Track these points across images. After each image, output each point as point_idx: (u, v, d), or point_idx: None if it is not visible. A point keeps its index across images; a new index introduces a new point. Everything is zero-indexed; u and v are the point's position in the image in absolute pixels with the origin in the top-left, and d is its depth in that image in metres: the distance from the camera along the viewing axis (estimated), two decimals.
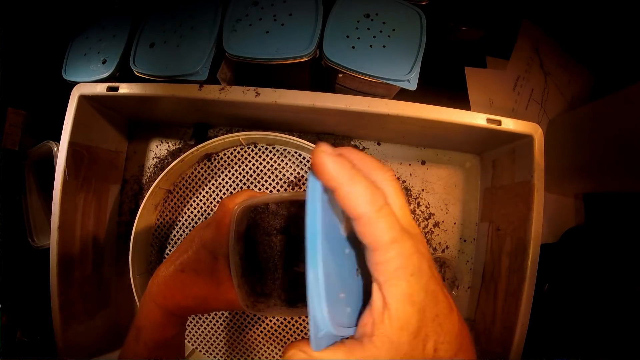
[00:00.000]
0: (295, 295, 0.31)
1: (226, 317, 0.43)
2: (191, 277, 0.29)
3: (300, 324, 0.42)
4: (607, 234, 0.46)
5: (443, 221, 0.46)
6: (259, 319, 0.42)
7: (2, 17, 0.43)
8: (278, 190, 0.42)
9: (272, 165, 0.42)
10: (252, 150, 0.42)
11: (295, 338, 0.42)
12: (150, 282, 0.30)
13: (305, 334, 0.42)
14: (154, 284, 0.30)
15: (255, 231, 0.31)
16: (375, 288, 0.17)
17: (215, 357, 0.43)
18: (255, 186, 0.42)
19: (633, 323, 0.39)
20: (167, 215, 0.44)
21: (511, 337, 0.36)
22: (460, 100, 0.49)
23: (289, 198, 0.30)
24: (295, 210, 0.31)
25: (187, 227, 0.43)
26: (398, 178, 0.46)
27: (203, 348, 0.43)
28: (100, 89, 0.38)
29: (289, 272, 0.30)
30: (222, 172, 0.43)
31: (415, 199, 0.46)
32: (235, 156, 0.42)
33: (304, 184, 0.42)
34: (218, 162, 0.43)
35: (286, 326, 0.42)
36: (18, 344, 0.47)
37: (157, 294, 0.29)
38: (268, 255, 0.30)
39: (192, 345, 0.44)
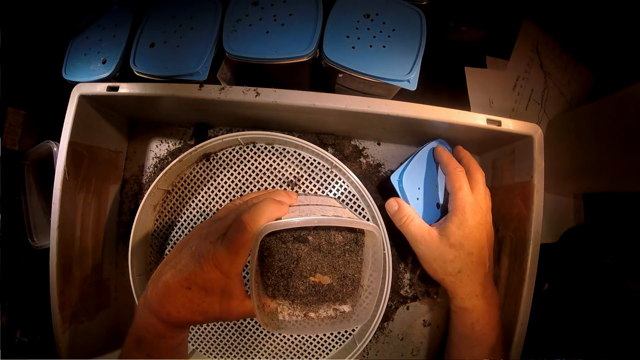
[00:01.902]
0: (314, 308, 0.31)
1: None
2: (199, 294, 0.27)
3: None
4: (607, 234, 0.46)
5: None
6: None
7: (2, 17, 0.43)
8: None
9: (271, 165, 0.42)
10: (251, 150, 0.42)
11: (295, 339, 0.42)
12: (149, 291, 0.28)
13: (305, 335, 0.42)
14: (154, 298, 0.28)
15: (272, 244, 0.31)
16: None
17: (215, 357, 0.43)
18: (255, 186, 0.42)
19: (633, 323, 0.39)
20: (166, 216, 0.44)
21: (511, 337, 0.36)
22: (460, 100, 0.49)
23: (316, 224, 0.29)
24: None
25: (186, 228, 0.43)
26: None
27: (203, 348, 0.43)
28: (100, 88, 0.38)
29: (307, 284, 0.30)
30: (221, 172, 0.43)
31: None
32: (234, 156, 0.42)
33: (303, 183, 0.42)
34: (217, 162, 0.43)
35: None
36: (18, 344, 0.47)
37: (160, 309, 0.27)
38: (286, 268, 0.30)
39: (192, 345, 0.44)
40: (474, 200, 0.35)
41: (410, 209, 0.36)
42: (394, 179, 0.38)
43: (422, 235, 0.35)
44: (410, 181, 0.38)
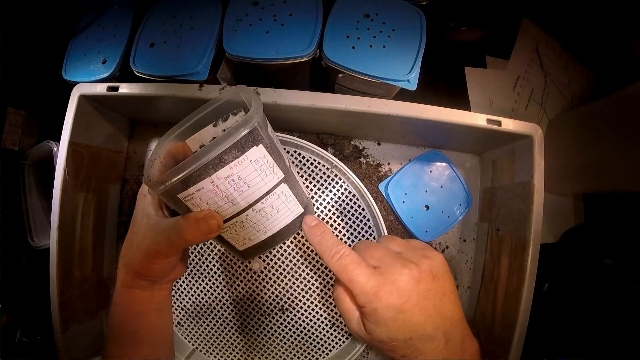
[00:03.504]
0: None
1: (226, 317, 0.43)
2: (131, 225, 0.28)
3: (300, 324, 0.42)
4: (607, 234, 0.46)
5: None
6: (259, 319, 0.42)
7: (2, 17, 0.43)
8: None
9: None
10: None
11: (295, 339, 0.42)
12: None
13: (306, 333, 0.42)
14: None
15: None
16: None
17: (215, 357, 0.43)
18: None
19: (632, 323, 0.39)
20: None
21: (511, 337, 0.36)
22: (460, 100, 0.50)
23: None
24: None
25: None
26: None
27: (203, 348, 0.43)
28: (100, 88, 0.38)
29: None
30: None
31: None
32: None
33: (303, 183, 0.42)
34: None
35: (286, 326, 0.42)
36: (18, 344, 0.47)
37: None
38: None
39: (192, 345, 0.44)
40: (374, 284, 0.25)
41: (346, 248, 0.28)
42: (381, 187, 0.45)
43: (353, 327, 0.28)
44: (398, 189, 0.44)
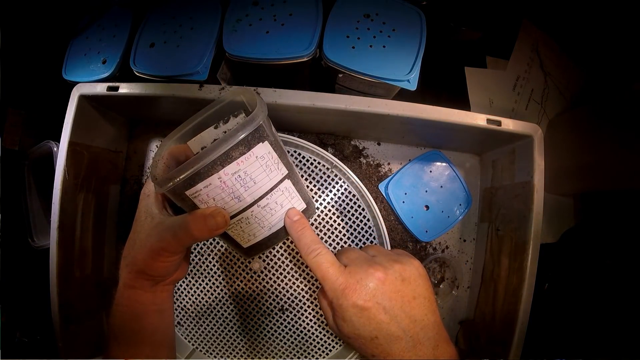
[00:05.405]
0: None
1: (226, 317, 0.43)
2: (134, 226, 0.29)
3: (300, 324, 0.42)
4: (607, 233, 0.46)
5: None
6: (258, 319, 0.42)
7: (2, 17, 0.43)
8: None
9: None
10: None
11: (295, 339, 0.42)
12: None
13: (306, 333, 0.42)
14: None
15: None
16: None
17: (215, 357, 0.43)
18: None
19: (632, 323, 0.39)
20: None
21: (511, 337, 0.36)
22: (460, 101, 0.50)
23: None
24: None
25: None
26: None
27: (203, 348, 0.43)
28: (100, 88, 0.38)
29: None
30: None
31: None
32: None
33: (307, 186, 0.42)
34: None
35: (286, 326, 0.42)
36: (18, 344, 0.47)
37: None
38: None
39: (192, 345, 0.44)
40: (342, 281, 0.27)
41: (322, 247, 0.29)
42: (381, 187, 0.45)
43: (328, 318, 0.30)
44: (397, 189, 0.44)
